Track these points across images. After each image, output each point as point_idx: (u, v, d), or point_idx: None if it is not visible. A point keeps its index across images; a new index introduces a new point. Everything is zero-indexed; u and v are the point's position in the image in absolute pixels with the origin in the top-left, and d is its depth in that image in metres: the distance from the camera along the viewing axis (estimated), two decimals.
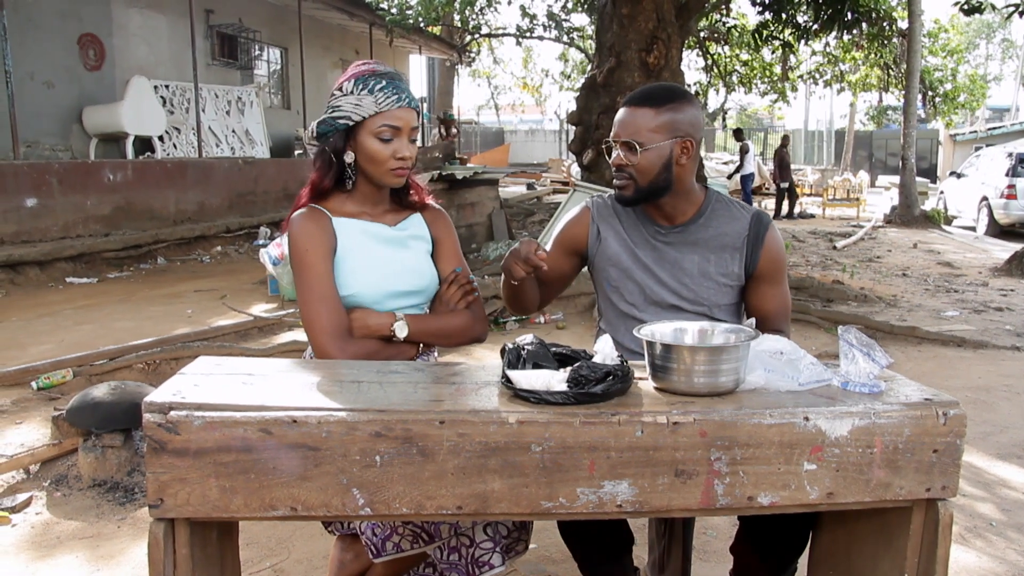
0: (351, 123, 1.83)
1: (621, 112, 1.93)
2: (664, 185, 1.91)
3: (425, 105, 26.17)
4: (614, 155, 1.93)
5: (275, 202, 12.13)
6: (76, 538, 2.82)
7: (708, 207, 2.00)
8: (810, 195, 20.89)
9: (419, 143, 1.96)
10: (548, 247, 2.12)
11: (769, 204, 19.58)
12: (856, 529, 1.61)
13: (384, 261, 1.90)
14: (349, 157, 1.87)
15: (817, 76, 18.27)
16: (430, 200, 2.08)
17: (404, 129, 1.83)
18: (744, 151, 16.26)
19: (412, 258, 1.96)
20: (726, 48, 15.24)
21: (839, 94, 24.64)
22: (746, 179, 16.31)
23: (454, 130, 18.52)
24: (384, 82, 1.82)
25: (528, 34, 15.49)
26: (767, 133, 37.24)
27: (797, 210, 17.27)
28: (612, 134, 1.94)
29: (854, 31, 11.12)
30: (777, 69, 16.34)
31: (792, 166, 16.19)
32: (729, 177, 17.02)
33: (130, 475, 3.26)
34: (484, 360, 4.54)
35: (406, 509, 1.34)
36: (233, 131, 13.19)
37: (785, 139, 17.23)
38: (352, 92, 1.82)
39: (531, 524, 1.93)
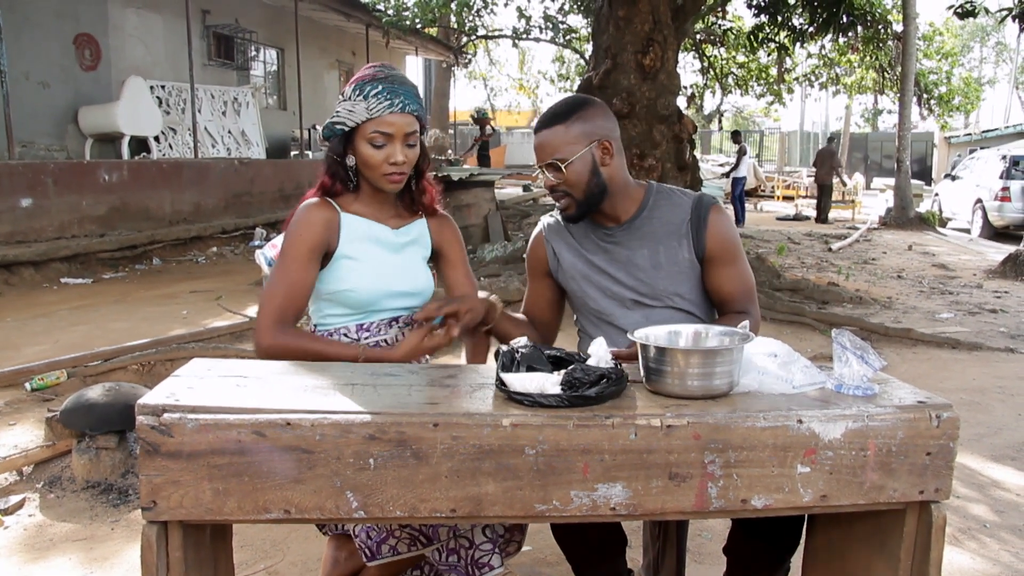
0: (347, 128, 1.86)
1: (535, 139, 1.97)
2: (599, 190, 1.93)
3: None
4: (542, 180, 1.96)
5: (271, 203, 12.11)
6: (69, 540, 2.81)
7: (650, 200, 2.02)
8: (805, 197, 20.94)
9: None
10: (528, 284, 2.20)
11: (767, 207, 19.65)
12: (850, 531, 1.61)
13: (381, 262, 1.94)
14: (351, 161, 1.90)
15: (813, 78, 18.30)
16: (439, 207, 2.09)
17: (396, 135, 1.84)
18: (741, 153, 16.27)
19: (405, 264, 1.99)
20: (722, 50, 15.26)
21: (835, 96, 24.69)
22: (737, 181, 16.32)
23: (489, 129, 18.14)
24: (380, 87, 1.83)
25: (524, 36, 15.48)
26: (763, 135, 37.30)
27: (793, 212, 17.30)
28: (536, 161, 1.97)
29: (849, 34, 11.15)
30: (773, 71, 16.36)
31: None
32: (724, 176, 17.06)
33: (124, 477, 3.25)
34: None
35: (400, 512, 1.34)
36: (229, 132, 13.17)
37: (831, 139, 17.25)
38: (350, 98, 1.85)
39: (526, 525, 1.94)
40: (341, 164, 1.91)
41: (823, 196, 16.24)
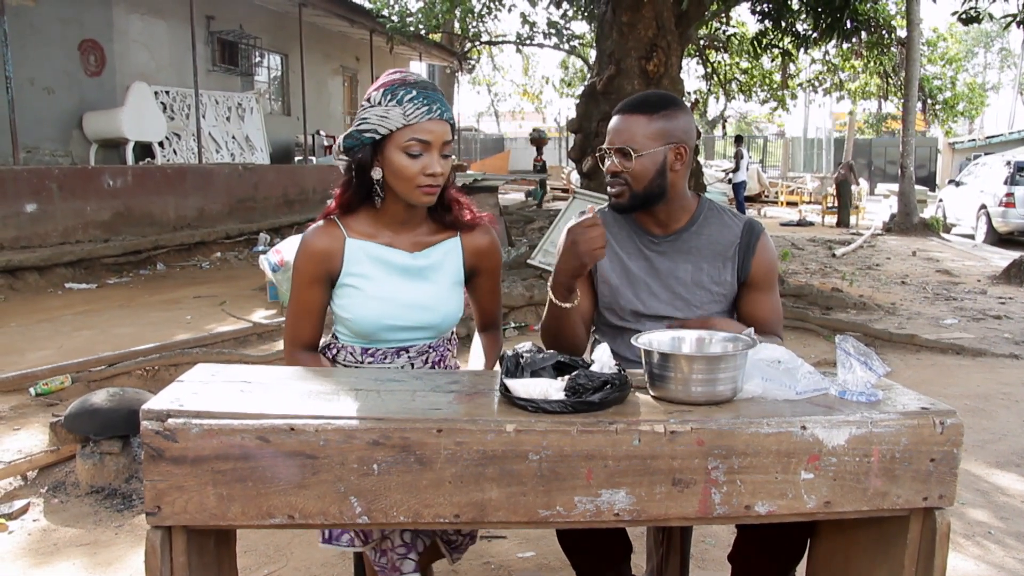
0: (378, 137, 1.73)
1: (615, 120, 1.93)
2: (659, 192, 1.90)
3: None
4: (608, 163, 1.92)
5: (275, 208, 12.14)
6: (74, 545, 2.82)
7: (701, 214, 1.99)
8: (809, 203, 20.95)
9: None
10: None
11: (771, 212, 19.65)
12: (854, 538, 1.61)
13: (389, 293, 1.83)
14: (377, 173, 1.77)
15: (816, 84, 18.32)
16: (482, 219, 1.95)
17: (435, 143, 1.73)
18: (738, 157, 16.32)
19: (424, 292, 1.86)
20: (726, 56, 15.26)
21: (838, 102, 24.71)
22: (738, 187, 16.37)
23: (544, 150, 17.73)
24: (414, 92, 1.71)
25: (528, 42, 15.50)
26: (766, 141, 37.29)
27: (797, 218, 17.30)
28: (606, 142, 1.93)
29: (853, 40, 11.13)
30: (777, 77, 16.37)
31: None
32: (727, 180, 17.14)
33: (128, 482, 3.26)
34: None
35: (403, 517, 1.34)
36: (233, 137, 13.21)
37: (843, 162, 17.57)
38: (380, 103, 1.72)
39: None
40: (365, 177, 1.78)
41: (843, 195, 16.37)
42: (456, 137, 2.08)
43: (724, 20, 13.24)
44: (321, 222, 1.86)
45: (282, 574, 2.63)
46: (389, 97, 1.72)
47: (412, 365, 1.91)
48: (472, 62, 22.01)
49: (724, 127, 23.24)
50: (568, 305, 1.80)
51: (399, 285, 1.84)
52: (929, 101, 17.56)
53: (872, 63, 14.35)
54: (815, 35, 9.59)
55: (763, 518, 1.40)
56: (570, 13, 14.17)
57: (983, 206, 14.18)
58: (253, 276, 8.26)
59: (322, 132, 15.47)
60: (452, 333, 2.04)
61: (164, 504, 1.31)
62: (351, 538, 1.77)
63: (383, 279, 1.84)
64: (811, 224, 16.56)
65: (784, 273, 8.65)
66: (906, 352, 5.69)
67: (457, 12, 12.56)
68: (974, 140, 27.37)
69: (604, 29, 7.56)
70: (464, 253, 1.92)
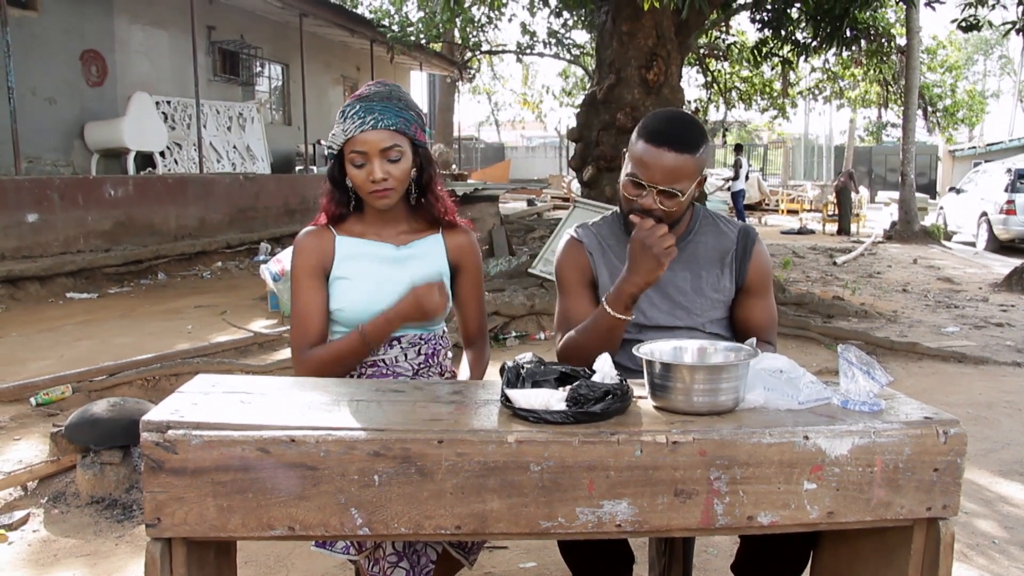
0: (334, 152, 1.92)
1: (660, 155, 1.77)
2: (680, 219, 1.91)
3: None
4: (646, 198, 1.80)
5: (276, 218, 12.15)
6: (74, 555, 2.81)
7: (697, 223, 2.01)
8: (810, 211, 20.98)
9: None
10: (567, 298, 2.03)
11: (772, 220, 19.67)
12: (857, 548, 1.60)
13: (377, 280, 1.93)
14: (349, 182, 1.92)
15: (817, 92, 18.36)
16: (460, 221, 2.08)
17: (371, 152, 1.84)
18: (737, 166, 16.40)
19: (410, 278, 1.95)
20: (726, 65, 15.28)
21: (839, 110, 24.77)
22: (737, 195, 16.44)
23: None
24: (357, 107, 1.86)
25: (528, 51, 15.55)
26: (767, 149, 37.34)
27: (798, 226, 17.32)
28: (646, 177, 1.79)
29: (853, 48, 11.14)
30: (777, 85, 16.40)
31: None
32: (724, 189, 17.25)
33: (128, 492, 3.25)
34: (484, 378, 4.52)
35: (404, 529, 1.33)
36: (234, 147, 13.23)
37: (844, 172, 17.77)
38: (338, 121, 1.89)
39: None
40: (340, 186, 1.95)
41: (843, 203, 16.43)
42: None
43: (724, 29, 13.28)
44: (307, 228, 1.99)
45: None
46: (341, 115, 1.88)
47: (405, 356, 1.96)
48: (472, 71, 22.07)
49: (724, 136, 23.28)
50: (630, 317, 1.81)
51: (386, 272, 1.94)
52: (929, 109, 17.58)
53: (872, 71, 14.37)
54: (815, 43, 9.60)
55: (766, 528, 1.39)
56: (570, 22, 14.22)
57: (984, 213, 14.20)
58: (254, 286, 8.26)
59: (323, 142, 15.43)
60: (444, 331, 2.10)
61: (164, 516, 1.31)
62: (346, 545, 1.78)
63: (371, 269, 1.94)
64: (812, 232, 16.58)
65: (785, 281, 8.65)
66: (908, 360, 5.68)
67: (458, 22, 12.59)
68: (974, 148, 27.39)
69: (604, 38, 7.57)
70: (447, 248, 2.04)
